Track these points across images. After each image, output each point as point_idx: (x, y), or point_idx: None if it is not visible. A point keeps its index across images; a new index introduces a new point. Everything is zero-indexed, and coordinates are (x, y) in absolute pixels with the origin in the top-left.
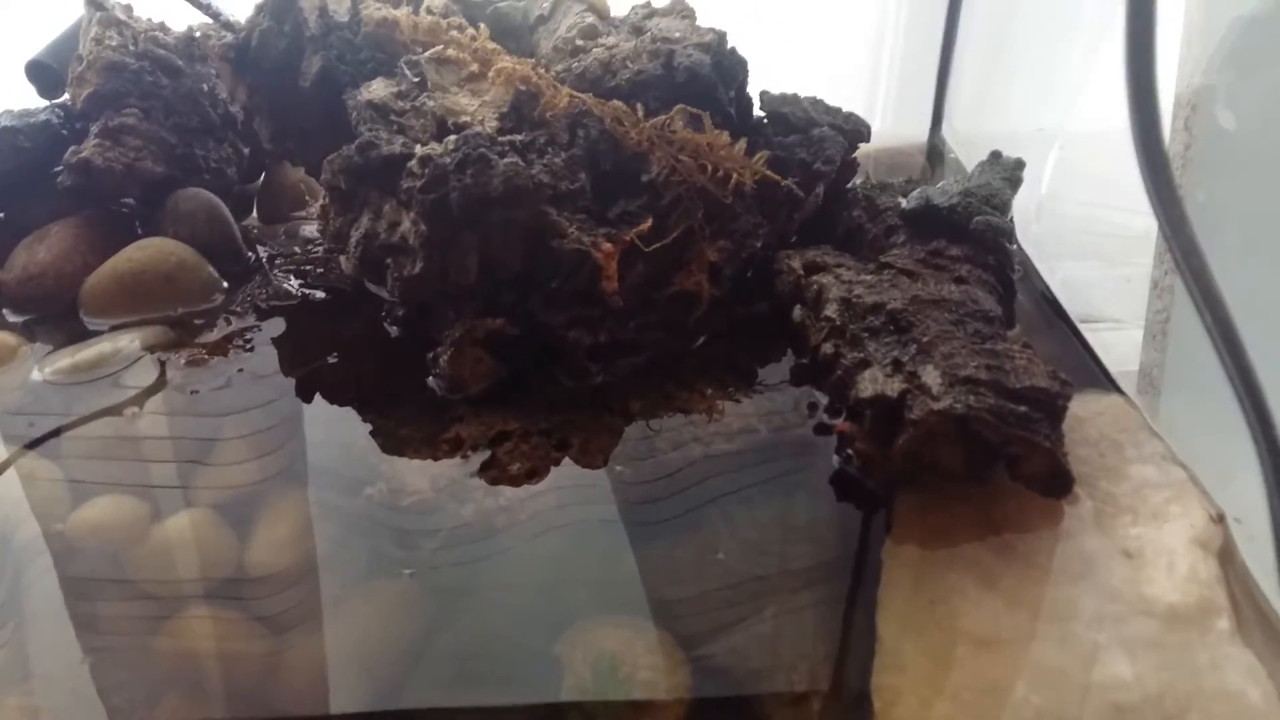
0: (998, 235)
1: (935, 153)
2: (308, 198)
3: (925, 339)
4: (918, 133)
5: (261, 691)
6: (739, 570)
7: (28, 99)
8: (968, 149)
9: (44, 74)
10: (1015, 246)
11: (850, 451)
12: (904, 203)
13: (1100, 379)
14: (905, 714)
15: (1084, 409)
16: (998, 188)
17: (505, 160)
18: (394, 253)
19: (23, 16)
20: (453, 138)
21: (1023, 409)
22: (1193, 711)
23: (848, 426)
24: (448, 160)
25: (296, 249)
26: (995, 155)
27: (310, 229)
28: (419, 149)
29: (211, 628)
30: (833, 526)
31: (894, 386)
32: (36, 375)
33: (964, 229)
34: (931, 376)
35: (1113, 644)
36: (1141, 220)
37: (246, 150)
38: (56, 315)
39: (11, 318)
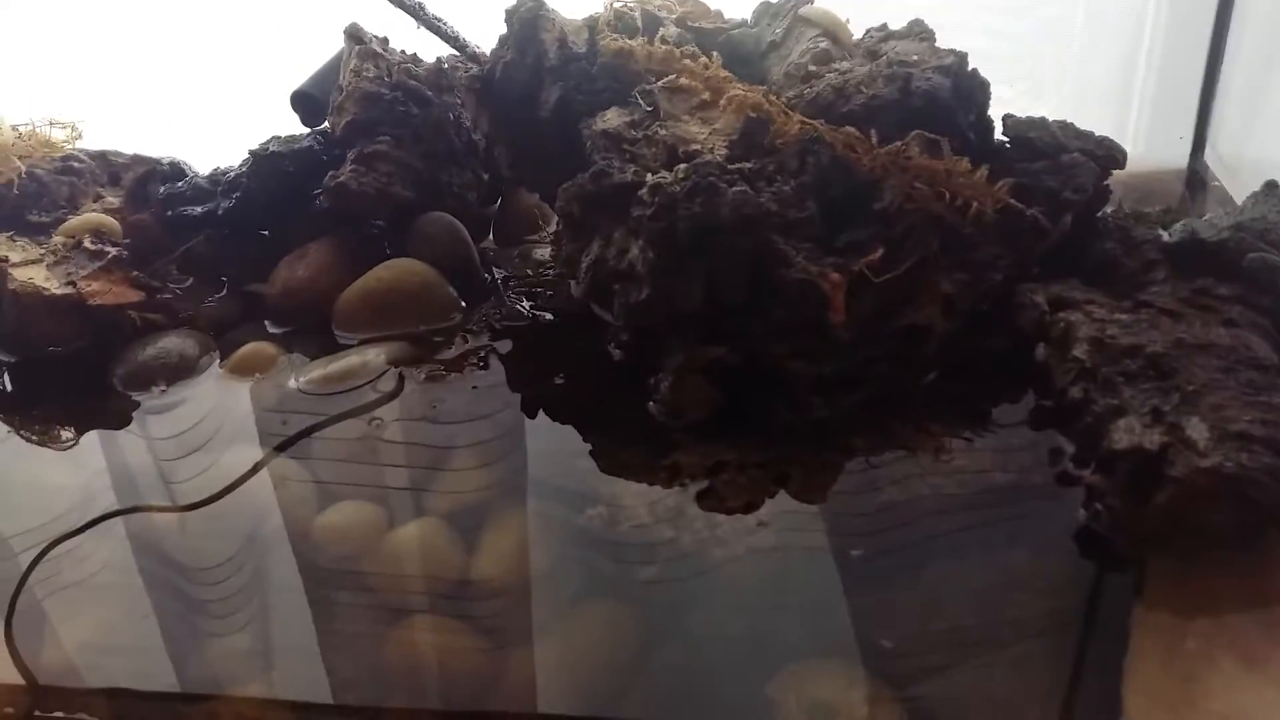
0: (1275, 275)
1: (1196, 180)
2: (541, 222)
3: (1191, 387)
4: (1175, 158)
5: (479, 696)
6: (964, 623)
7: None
8: (1234, 177)
9: (308, 103)
10: None
11: (1099, 506)
12: (1165, 235)
13: None
14: None
15: None
16: (1275, 221)
17: (734, 189)
18: (622, 279)
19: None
20: (682, 166)
21: None
22: None
23: (1098, 479)
24: (677, 189)
25: (529, 271)
26: (1271, 185)
27: (542, 253)
28: (650, 177)
29: (436, 633)
30: (1072, 585)
31: (1153, 439)
32: (292, 384)
33: (1235, 267)
34: (1198, 430)
35: None
36: None
37: (486, 176)
38: (312, 328)
39: (272, 329)
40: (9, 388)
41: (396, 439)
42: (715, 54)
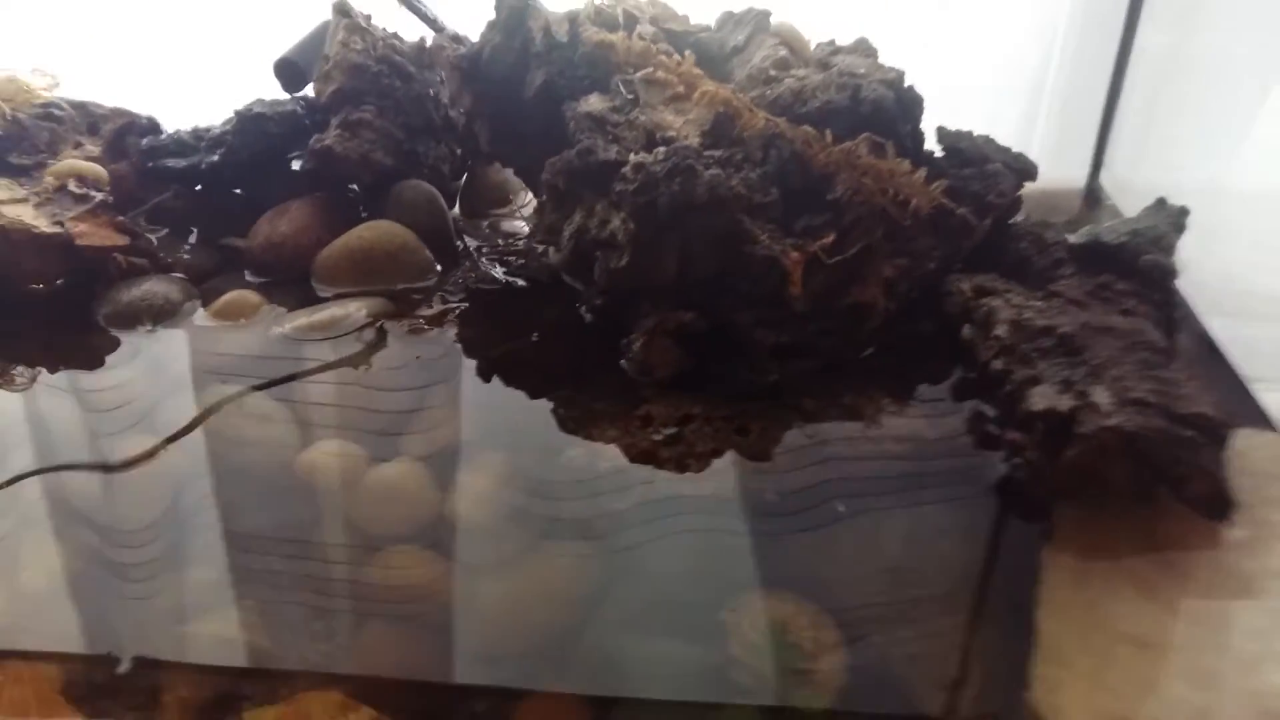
0: (1164, 275)
1: (1093, 198)
2: (511, 197)
3: (1095, 362)
4: (1073, 178)
5: (451, 625)
6: (898, 561)
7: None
8: (1125, 196)
9: (290, 71)
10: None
11: (1019, 460)
12: (1071, 238)
13: (1259, 419)
14: (1064, 702)
15: (1244, 443)
16: (1164, 231)
17: (709, 172)
18: (603, 247)
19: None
20: (663, 149)
21: (1189, 433)
22: None
23: (1018, 437)
24: (658, 169)
25: (499, 241)
26: (1161, 201)
27: (510, 224)
28: (632, 157)
29: (411, 564)
30: (993, 528)
31: (1065, 402)
32: (276, 330)
33: (1132, 266)
34: (1102, 396)
35: (1270, 657)
36: None
37: (459, 151)
38: (290, 281)
39: (251, 280)
40: None
41: (379, 386)
42: (688, 52)
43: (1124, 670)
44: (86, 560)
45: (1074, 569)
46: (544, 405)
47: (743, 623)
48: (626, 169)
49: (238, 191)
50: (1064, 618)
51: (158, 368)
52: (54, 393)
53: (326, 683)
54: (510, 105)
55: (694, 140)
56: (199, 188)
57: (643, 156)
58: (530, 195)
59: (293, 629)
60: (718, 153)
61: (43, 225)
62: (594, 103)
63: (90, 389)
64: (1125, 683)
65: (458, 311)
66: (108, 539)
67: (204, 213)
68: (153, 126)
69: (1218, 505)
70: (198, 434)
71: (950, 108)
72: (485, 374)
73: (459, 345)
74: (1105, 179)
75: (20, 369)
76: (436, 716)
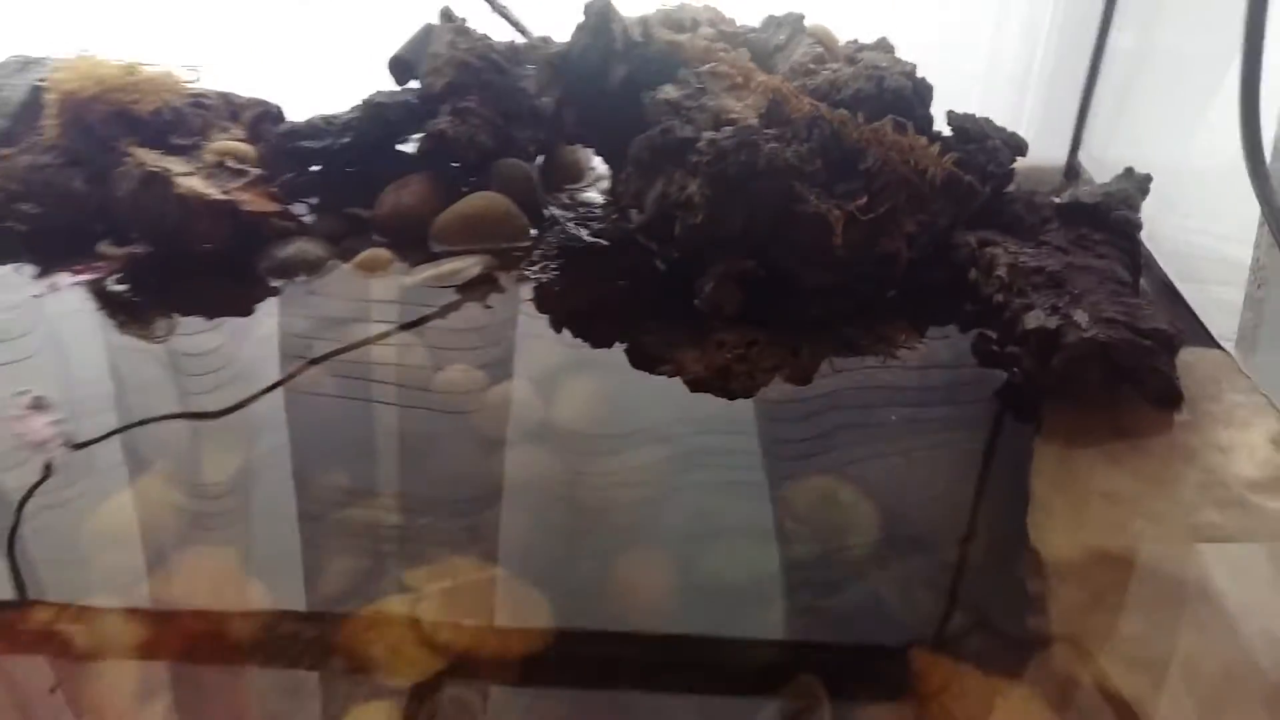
0: (1131, 227)
1: (1073, 172)
2: (583, 174)
3: (1076, 291)
4: (1055, 156)
5: (559, 506)
6: (922, 448)
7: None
8: (1100, 171)
9: (402, 66)
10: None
11: (1016, 368)
12: (1056, 199)
13: (1206, 339)
14: (1053, 538)
15: (1192, 357)
16: (1132, 193)
17: (768, 146)
18: (681, 208)
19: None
20: (729, 128)
21: (1148, 343)
22: (1258, 554)
23: (1016, 350)
24: (728, 143)
25: (579, 210)
26: (1129, 170)
27: (586, 195)
28: (705, 134)
29: (523, 459)
30: (996, 422)
31: (1052, 321)
32: (407, 280)
33: (1105, 220)
34: (1081, 317)
35: (1207, 502)
36: (1234, 247)
37: (542, 135)
38: (411, 242)
39: (377, 240)
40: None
41: (495, 323)
42: (744, 49)
43: (1096, 515)
44: (308, 442)
45: (1058, 448)
46: (632, 337)
47: (796, 496)
48: (701, 144)
49: (350, 170)
50: (1050, 482)
51: (318, 310)
52: (239, 331)
53: (467, 549)
54: (595, 95)
55: (753, 121)
56: (324, 167)
57: (713, 134)
58: (598, 172)
59: (434, 508)
60: (773, 131)
61: (213, 193)
62: (669, 91)
63: (267, 329)
64: (1097, 523)
65: (553, 265)
66: (302, 434)
67: (329, 187)
68: (281, 114)
69: (1169, 398)
70: (356, 359)
71: (949, 95)
72: (579, 314)
73: (556, 290)
74: (1083, 157)
75: (205, 313)
76: (550, 571)
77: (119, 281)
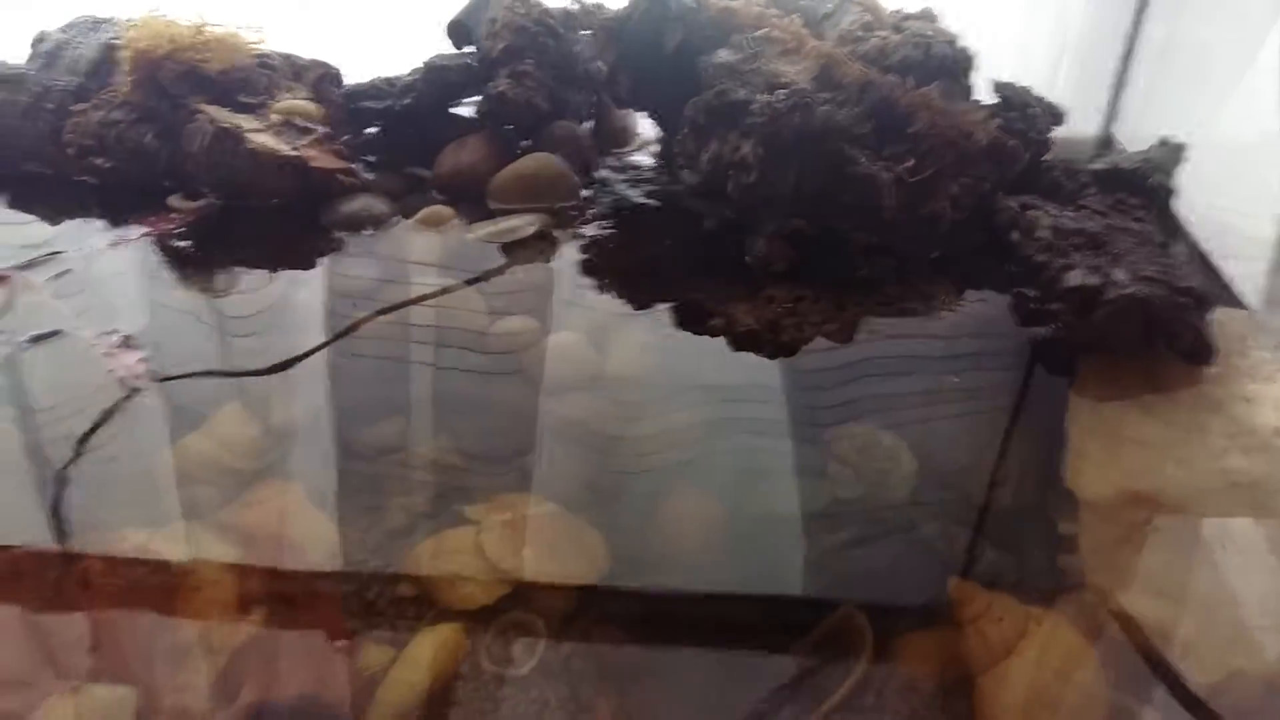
0: (1166, 193)
1: (1107, 144)
2: (634, 135)
3: (1115, 252)
4: (1084, 129)
5: (613, 447)
6: (967, 392)
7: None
8: (1132, 143)
9: (461, 30)
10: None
11: (1057, 324)
12: (1094, 166)
13: (1232, 300)
14: (1087, 481)
15: (1220, 315)
16: (1167, 161)
17: (822, 108)
18: (736, 168)
19: None
20: (784, 90)
21: (1184, 300)
22: None
23: (1058, 306)
24: (782, 105)
25: (629, 171)
26: (1164, 140)
27: (634, 158)
28: (759, 97)
29: (577, 404)
30: (1034, 375)
31: (1094, 279)
32: (468, 235)
33: (1142, 186)
34: (1120, 275)
35: (1233, 448)
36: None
37: (593, 99)
38: (469, 199)
39: (436, 197)
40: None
41: (551, 277)
42: (795, 16)
43: (1129, 459)
44: (374, 386)
45: (1093, 398)
46: (684, 292)
47: (840, 441)
48: (755, 106)
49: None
50: (1085, 429)
51: (384, 261)
52: (307, 281)
53: (520, 487)
54: (650, 59)
55: (806, 85)
56: (382, 126)
57: (768, 96)
58: (643, 136)
59: (491, 449)
60: (825, 95)
61: (284, 149)
62: (724, 55)
63: (341, 274)
64: (1129, 467)
65: (606, 224)
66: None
67: (387, 146)
68: (340, 76)
69: (1200, 352)
70: (420, 309)
71: (985, 65)
72: (632, 270)
73: (610, 247)
74: (1116, 129)
75: (275, 264)
76: (604, 507)
77: (191, 233)
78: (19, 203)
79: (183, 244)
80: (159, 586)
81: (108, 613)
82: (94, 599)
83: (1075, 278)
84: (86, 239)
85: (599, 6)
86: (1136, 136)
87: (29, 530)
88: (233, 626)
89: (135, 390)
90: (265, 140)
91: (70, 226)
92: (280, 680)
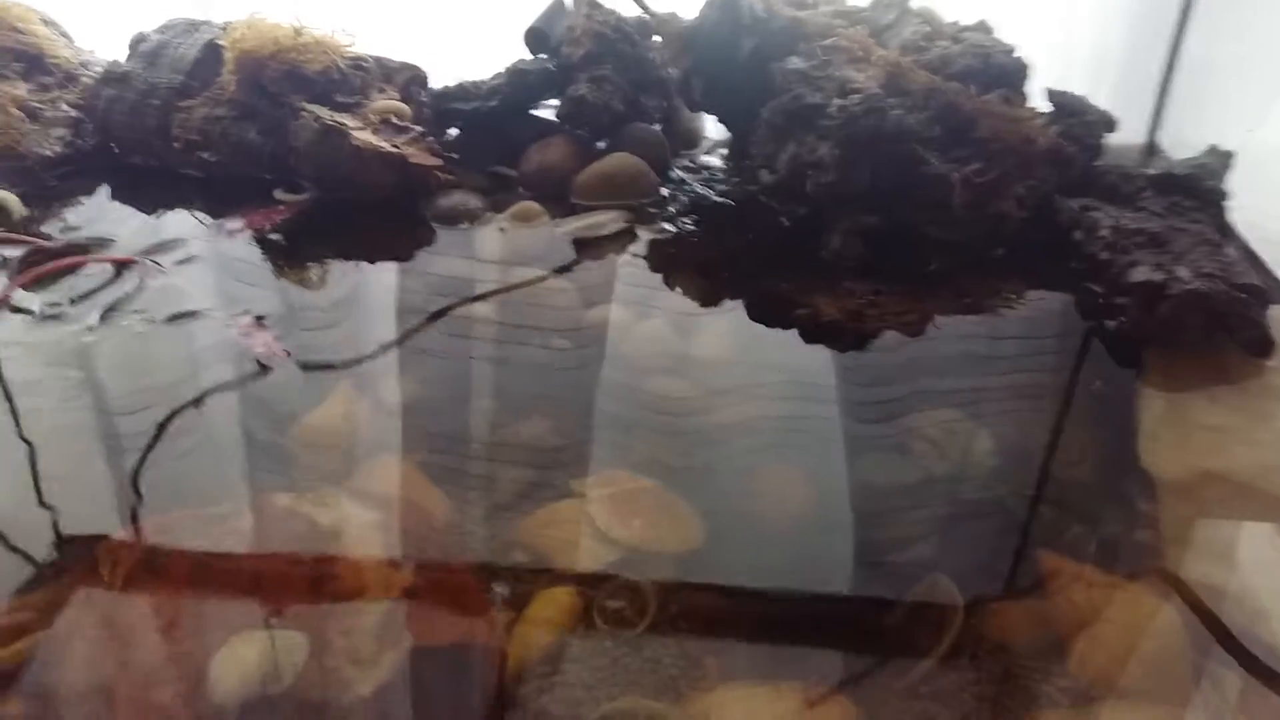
0: (1219, 196)
1: (1152, 151)
2: (705, 138)
3: (1176, 250)
4: (1135, 135)
5: (702, 425)
6: (1036, 386)
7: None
8: (1176, 150)
9: (539, 37)
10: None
11: (1124, 318)
12: (1149, 171)
13: None
14: (1162, 463)
15: (1275, 312)
16: (1218, 167)
17: (894, 112)
18: (813, 168)
19: None
20: (857, 95)
21: (1244, 295)
22: None
23: (1124, 300)
24: (857, 109)
25: (704, 172)
26: (1214, 147)
27: (704, 159)
28: (834, 101)
29: (666, 387)
30: (1104, 363)
31: (1158, 275)
32: (558, 230)
33: (1196, 190)
34: (1183, 272)
35: None
36: None
37: (666, 104)
38: (554, 196)
39: (523, 194)
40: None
41: (637, 268)
42: (861, 26)
43: (1200, 442)
44: (477, 368)
45: (1161, 388)
46: (764, 284)
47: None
48: (831, 109)
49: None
50: (1156, 416)
51: (481, 252)
52: (413, 268)
53: (622, 462)
54: (723, 66)
55: (876, 90)
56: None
57: (843, 100)
58: (711, 139)
59: (588, 426)
60: (895, 100)
61: (385, 146)
62: (796, 62)
63: (437, 268)
64: (1202, 449)
65: (686, 220)
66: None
67: (471, 145)
68: (427, 79)
69: (1262, 345)
70: (517, 297)
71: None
72: (712, 263)
73: (692, 241)
74: (1160, 136)
75: (383, 254)
76: (691, 475)
77: (298, 224)
78: (128, 193)
79: (292, 234)
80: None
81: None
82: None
83: (1141, 273)
84: (200, 227)
85: (673, 15)
86: (1179, 144)
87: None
88: (385, 582)
89: (270, 367)
90: (368, 137)
91: (181, 216)
92: (431, 631)
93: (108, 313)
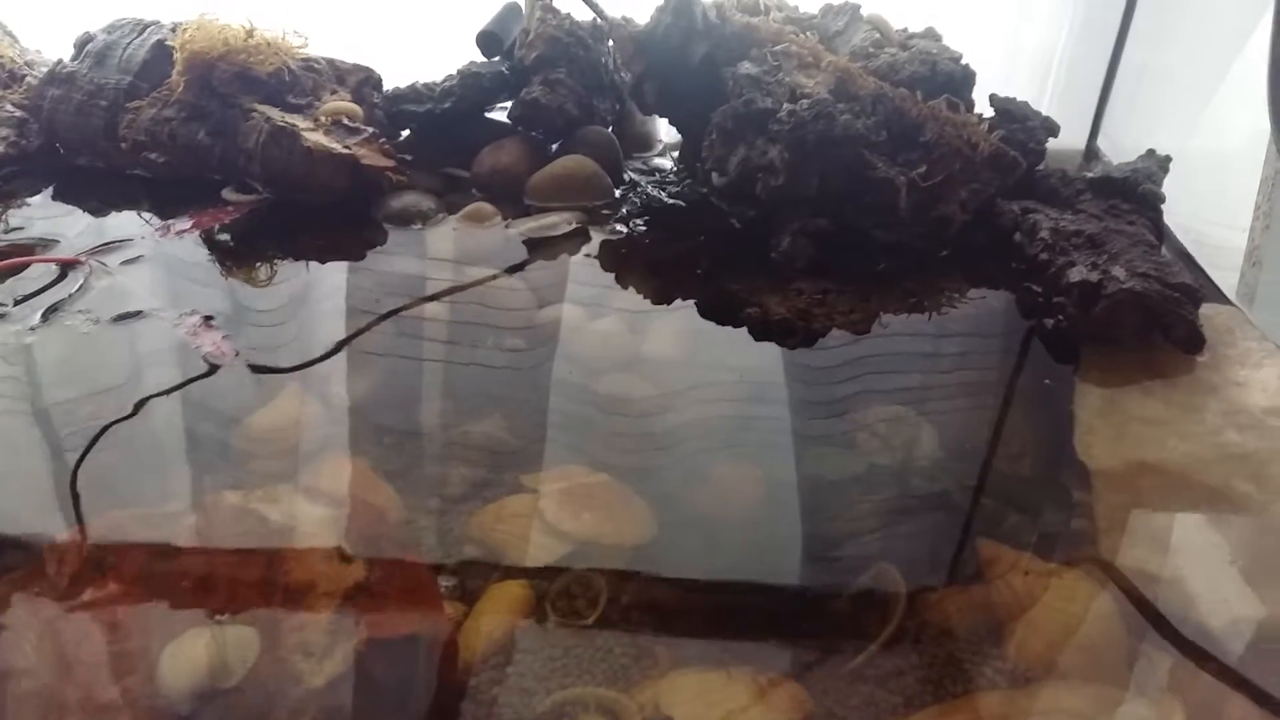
0: (1155, 200)
1: (1092, 155)
2: (658, 141)
3: (1112, 251)
4: (1076, 140)
5: (652, 422)
6: (978, 382)
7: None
8: (1115, 154)
9: (491, 40)
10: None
11: (1061, 316)
12: (1088, 174)
13: (1217, 296)
14: (1097, 454)
15: (1210, 311)
16: (1155, 170)
17: (843, 117)
18: (763, 171)
19: None
20: (806, 100)
21: (1177, 295)
22: (1275, 463)
23: (1062, 300)
24: (806, 114)
25: (656, 174)
26: (1151, 151)
27: (657, 162)
28: (785, 106)
29: (619, 385)
30: (1043, 360)
31: (1094, 275)
32: (510, 230)
33: (1133, 192)
34: (1119, 271)
35: (1228, 425)
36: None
37: (618, 106)
38: (507, 198)
39: (476, 195)
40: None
41: (585, 270)
42: (812, 32)
43: (1134, 435)
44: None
45: (1098, 383)
46: (716, 284)
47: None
48: (781, 114)
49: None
50: (1091, 410)
51: (434, 252)
52: (363, 269)
53: (574, 458)
54: (676, 70)
55: (825, 96)
56: (418, 129)
57: (793, 105)
58: (664, 142)
59: (541, 423)
60: (844, 105)
61: (336, 147)
62: (748, 67)
63: (389, 268)
64: (1135, 441)
65: (638, 221)
66: (422, 360)
67: (423, 147)
68: (380, 81)
69: (1193, 342)
70: (469, 296)
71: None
72: (664, 263)
73: (644, 242)
74: (1101, 141)
75: (331, 254)
76: (643, 470)
77: (247, 224)
78: (74, 194)
79: (242, 234)
80: (264, 540)
81: (224, 562)
82: (208, 552)
83: (1077, 274)
84: (147, 228)
85: (627, 20)
86: (1120, 148)
87: (143, 490)
88: (336, 576)
89: (218, 367)
90: (319, 138)
91: (127, 217)
92: (383, 624)
93: (50, 313)
